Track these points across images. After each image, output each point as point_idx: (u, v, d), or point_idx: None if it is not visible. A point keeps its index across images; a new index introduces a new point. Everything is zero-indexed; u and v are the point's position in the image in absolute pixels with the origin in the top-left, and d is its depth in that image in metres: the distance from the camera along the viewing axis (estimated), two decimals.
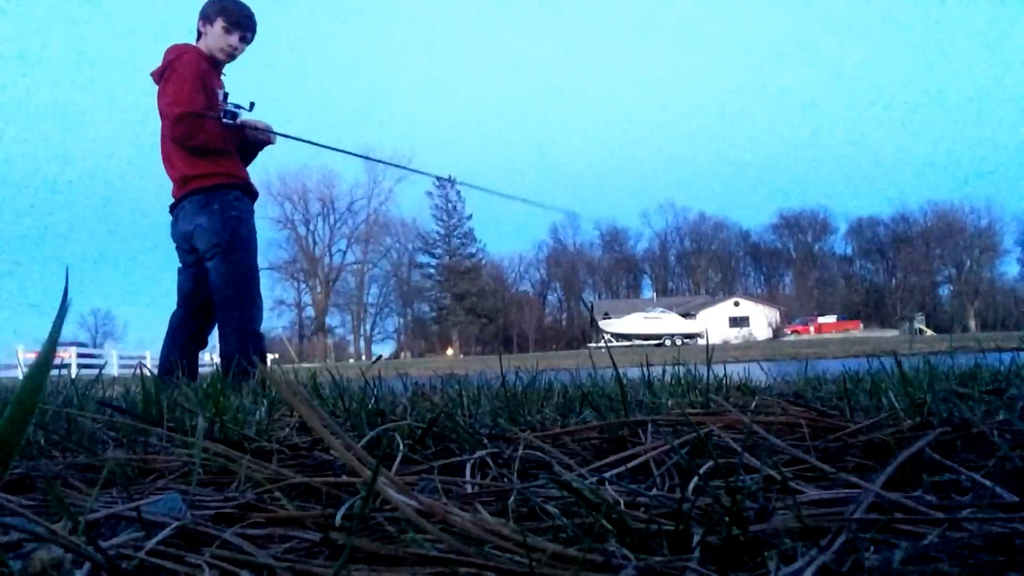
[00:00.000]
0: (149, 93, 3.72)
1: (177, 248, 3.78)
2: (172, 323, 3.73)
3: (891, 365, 1.64)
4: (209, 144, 3.58)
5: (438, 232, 70.29)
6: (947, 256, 68.99)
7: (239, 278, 3.62)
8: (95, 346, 51.77)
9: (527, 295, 77.22)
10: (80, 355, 22.96)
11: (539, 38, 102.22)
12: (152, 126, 3.75)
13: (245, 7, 3.75)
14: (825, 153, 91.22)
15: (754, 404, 1.35)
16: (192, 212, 3.61)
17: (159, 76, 3.62)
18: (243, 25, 3.73)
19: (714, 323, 53.56)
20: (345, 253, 71.09)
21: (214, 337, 3.77)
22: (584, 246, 78.38)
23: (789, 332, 53.13)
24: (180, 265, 3.80)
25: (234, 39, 3.71)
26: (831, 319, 56.55)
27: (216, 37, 3.70)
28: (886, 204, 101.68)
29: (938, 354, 2.15)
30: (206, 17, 3.71)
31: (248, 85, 3.98)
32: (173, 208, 3.75)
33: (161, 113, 3.56)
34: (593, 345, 38.42)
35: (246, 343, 3.54)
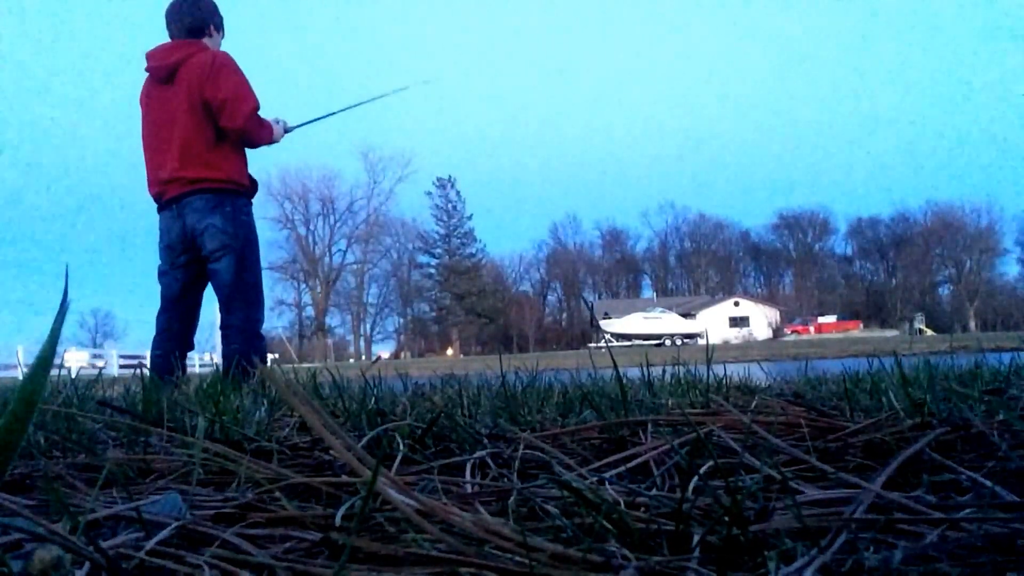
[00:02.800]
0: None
1: (167, 246, 3.67)
2: (160, 326, 3.67)
3: (891, 365, 1.65)
4: (267, 141, 3.72)
5: (438, 232, 70.43)
6: (947, 256, 68.98)
7: (247, 281, 3.62)
8: (95, 346, 51.74)
9: (527, 295, 77.22)
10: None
11: (539, 38, 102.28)
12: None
13: None
14: (825, 153, 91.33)
15: (754, 404, 1.35)
16: (203, 210, 3.56)
17: (168, 71, 3.57)
18: None
19: (714, 323, 53.53)
20: (345, 253, 71.13)
21: (212, 338, 3.75)
22: (584, 246, 78.56)
23: (789, 332, 53.12)
24: (164, 267, 3.70)
25: None
26: (831, 319, 56.58)
27: (219, 46, 3.80)
28: (886, 204, 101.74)
29: (938, 354, 2.15)
30: (218, 26, 3.80)
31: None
32: (169, 204, 3.64)
33: (218, 103, 3.49)
34: (593, 345, 38.44)
35: (249, 344, 3.55)
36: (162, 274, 3.71)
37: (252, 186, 3.80)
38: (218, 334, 3.71)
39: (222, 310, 3.63)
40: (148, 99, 3.70)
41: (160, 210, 3.72)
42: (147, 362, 3.74)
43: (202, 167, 3.57)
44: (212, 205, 3.57)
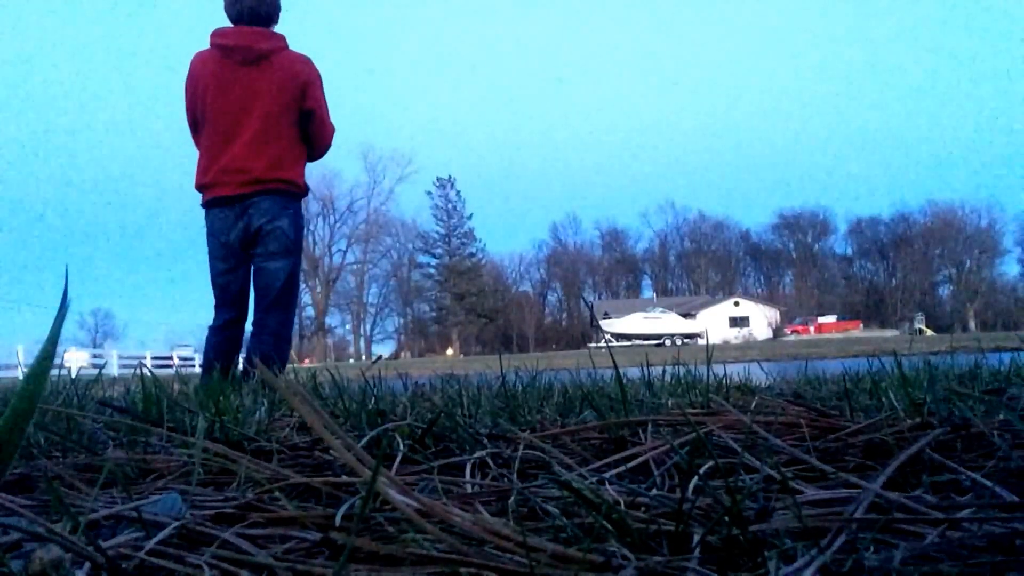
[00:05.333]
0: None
1: (224, 244, 3.56)
2: (218, 323, 3.62)
3: (891, 365, 1.65)
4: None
5: (438, 232, 70.42)
6: (947, 256, 68.98)
7: (292, 284, 3.64)
8: (95, 346, 51.71)
9: (527, 295, 77.25)
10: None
11: (539, 38, 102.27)
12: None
13: None
14: (825, 153, 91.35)
15: (754, 404, 1.35)
16: (271, 211, 3.52)
17: (257, 55, 3.46)
18: None
19: (714, 323, 53.50)
20: (345, 253, 71.22)
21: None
22: (584, 246, 78.61)
23: (789, 332, 53.11)
24: (223, 266, 3.59)
25: None
26: (831, 319, 56.57)
27: None
28: (886, 204, 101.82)
29: (938, 354, 2.15)
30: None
31: None
32: (230, 202, 3.52)
33: (321, 113, 3.58)
34: (593, 345, 38.43)
35: (278, 346, 3.56)
36: (220, 273, 3.62)
37: (306, 188, 3.82)
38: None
39: (260, 308, 3.60)
40: (219, 78, 3.49)
41: (213, 206, 3.58)
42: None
43: (276, 167, 3.52)
44: (281, 207, 3.55)
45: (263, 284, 3.59)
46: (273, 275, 3.56)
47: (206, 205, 3.62)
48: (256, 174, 3.49)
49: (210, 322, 3.66)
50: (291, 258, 3.59)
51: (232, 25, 3.55)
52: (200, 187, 3.61)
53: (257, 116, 3.47)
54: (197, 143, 3.66)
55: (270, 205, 3.52)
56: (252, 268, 3.64)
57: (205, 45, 3.62)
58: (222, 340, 3.58)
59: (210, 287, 3.69)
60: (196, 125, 3.64)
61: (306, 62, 3.58)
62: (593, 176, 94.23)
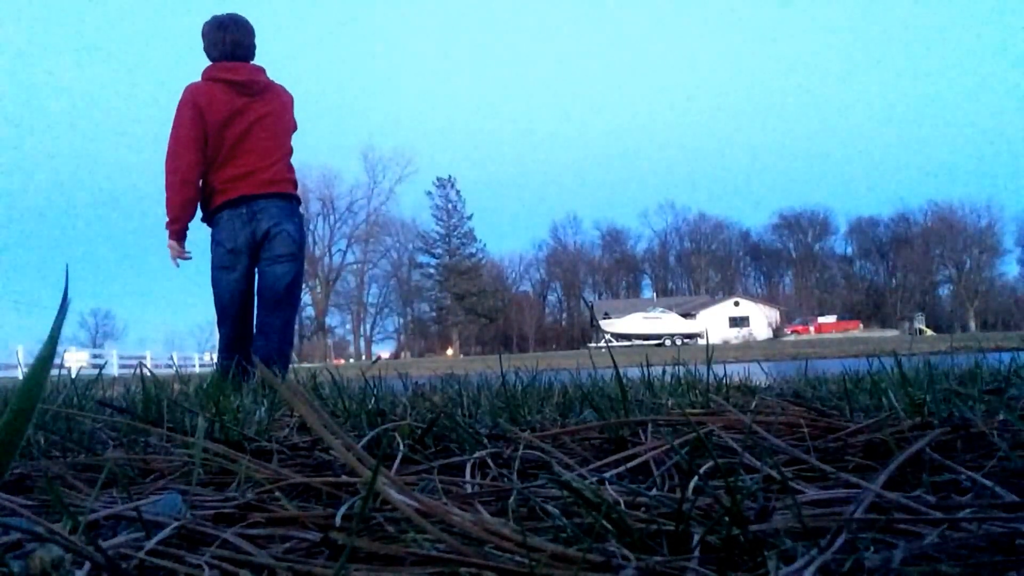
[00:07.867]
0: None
1: (231, 251, 3.62)
2: (227, 335, 3.68)
3: (891, 365, 1.64)
4: None
5: (438, 232, 70.36)
6: (947, 256, 68.94)
7: (297, 287, 3.75)
8: (95, 346, 51.67)
9: (527, 295, 77.25)
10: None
11: (539, 37, 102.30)
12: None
13: None
14: (825, 153, 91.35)
15: (754, 404, 1.35)
16: (279, 216, 3.65)
17: (259, 87, 3.72)
18: None
19: (714, 323, 53.45)
20: (345, 253, 71.22)
21: (212, 338, 3.75)
22: (584, 246, 78.58)
23: (789, 332, 53.12)
24: (230, 272, 3.63)
25: None
26: (831, 319, 56.59)
27: None
28: (886, 204, 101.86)
29: (938, 354, 2.15)
30: None
31: None
32: (237, 204, 3.61)
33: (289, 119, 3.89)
34: (593, 345, 38.42)
35: (283, 343, 3.64)
36: (224, 280, 3.66)
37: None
38: (217, 334, 3.73)
39: (264, 309, 3.66)
40: (231, 108, 3.65)
41: (221, 210, 3.65)
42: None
43: (282, 173, 3.72)
44: (287, 212, 3.70)
45: (269, 286, 3.66)
46: (279, 278, 3.65)
47: (213, 213, 3.67)
48: (266, 177, 3.65)
49: (217, 343, 3.73)
50: (296, 262, 3.69)
51: (227, 62, 3.72)
52: (205, 207, 3.70)
53: (265, 136, 3.70)
54: (177, 168, 3.60)
55: (277, 210, 3.66)
56: (257, 272, 3.71)
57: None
58: (231, 363, 3.57)
59: (205, 291, 3.73)
60: (195, 152, 3.59)
61: (287, 90, 3.92)
62: (593, 176, 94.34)
